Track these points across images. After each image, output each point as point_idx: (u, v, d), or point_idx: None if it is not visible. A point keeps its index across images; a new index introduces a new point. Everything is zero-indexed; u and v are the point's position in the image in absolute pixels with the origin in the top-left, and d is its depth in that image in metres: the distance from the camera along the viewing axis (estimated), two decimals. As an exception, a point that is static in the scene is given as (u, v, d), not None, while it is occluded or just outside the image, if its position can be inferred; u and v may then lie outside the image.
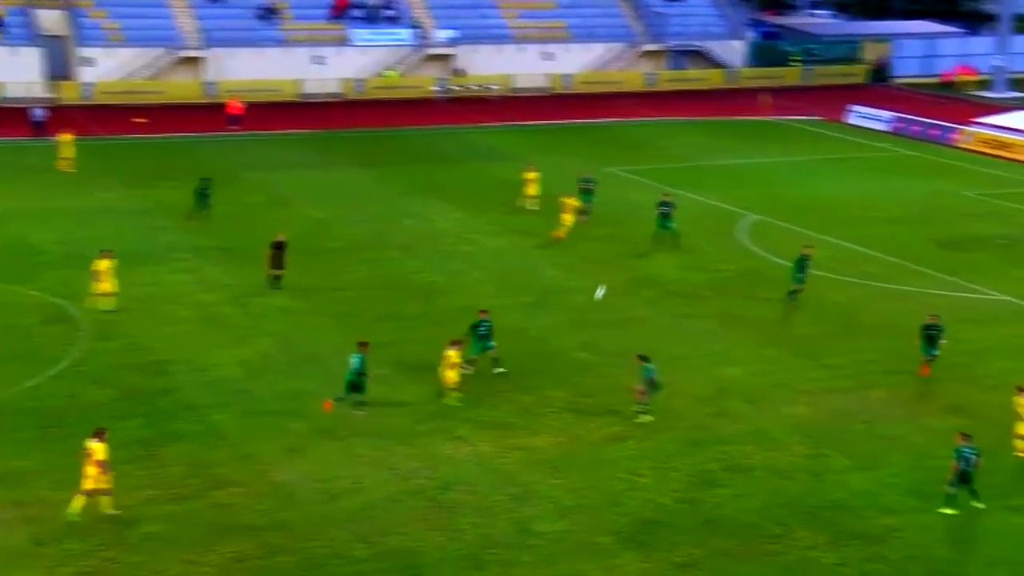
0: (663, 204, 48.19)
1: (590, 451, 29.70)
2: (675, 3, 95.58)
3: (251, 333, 37.21)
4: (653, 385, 31.44)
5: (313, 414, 31.32)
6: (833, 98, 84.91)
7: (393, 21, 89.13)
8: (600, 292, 39.77)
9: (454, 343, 32.16)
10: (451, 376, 31.91)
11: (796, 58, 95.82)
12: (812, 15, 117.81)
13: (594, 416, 31.61)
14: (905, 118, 75.81)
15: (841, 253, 47.07)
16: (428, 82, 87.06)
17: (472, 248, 47.31)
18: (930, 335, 34.84)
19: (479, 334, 33.92)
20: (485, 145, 68.95)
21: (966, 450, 27.25)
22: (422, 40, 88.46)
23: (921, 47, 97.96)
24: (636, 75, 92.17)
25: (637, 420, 31.26)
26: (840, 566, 25.00)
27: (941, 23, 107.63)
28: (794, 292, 40.82)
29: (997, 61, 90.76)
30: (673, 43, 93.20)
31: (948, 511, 27.10)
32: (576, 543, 25.57)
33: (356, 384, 31.37)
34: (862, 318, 39.81)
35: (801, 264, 40.85)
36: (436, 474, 28.33)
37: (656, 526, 26.25)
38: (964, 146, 70.40)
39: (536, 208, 51.59)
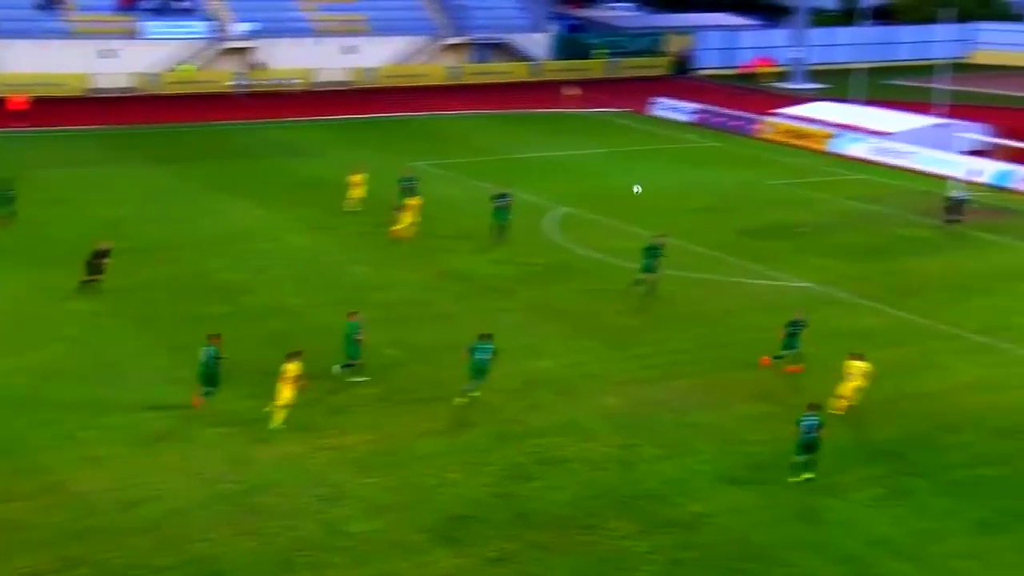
0: (499, 196, 48.54)
1: (401, 448, 29.72)
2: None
3: (42, 339, 36.02)
4: (480, 371, 31.96)
5: (111, 421, 30.52)
6: (638, 90, 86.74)
7: (187, 13, 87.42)
8: (637, 188, 39.99)
9: (291, 355, 30.61)
10: (286, 393, 30.14)
11: (600, 51, 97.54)
12: (615, 8, 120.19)
13: (404, 413, 31.65)
14: (708, 109, 77.97)
15: (648, 244, 48.09)
16: (226, 76, 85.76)
17: (276, 246, 46.79)
18: (793, 332, 35.56)
19: (355, 339, 33.36)
20: (286, 141, 68.26)
21: (808, 420, 28.46)
22: (218, 33, 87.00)
23: (722, 39, 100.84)
24: (439, 68, 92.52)
25: (454, 401, 31.84)
26: (652, 554, 25.55)
27: (741, 16, 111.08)
28: (640, 281, 41.56)
29: (795, 53, 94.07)
30: (476, 36, 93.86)
31: (801, 477, 28.38)
32: (388, 541, 25.57)
33: (211, 376, 30.96)
34: (671, 308, 40.77)
35: (651, 253, 41.48)
36: (243, 478, 27.94)
37: (469, 521, 26.43)
38: (765, 136, 72.77)
39: (359, 209, 51.18)
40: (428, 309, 39.67)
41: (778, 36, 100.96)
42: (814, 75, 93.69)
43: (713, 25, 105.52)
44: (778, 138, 71.98)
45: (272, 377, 30.93)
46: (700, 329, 38.73)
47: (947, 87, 73.23)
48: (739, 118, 75.67)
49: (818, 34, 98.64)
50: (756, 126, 74.13)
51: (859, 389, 32.18)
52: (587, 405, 32.69)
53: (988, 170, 61.12)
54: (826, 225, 52.26)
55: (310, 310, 38.99)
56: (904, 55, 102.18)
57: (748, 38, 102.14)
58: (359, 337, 33.38)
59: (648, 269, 41.46)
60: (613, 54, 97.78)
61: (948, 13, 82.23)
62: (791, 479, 28.45)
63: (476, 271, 44.12)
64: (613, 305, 40.93)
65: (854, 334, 38.47)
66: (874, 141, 67.89)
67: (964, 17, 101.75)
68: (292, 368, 30.26)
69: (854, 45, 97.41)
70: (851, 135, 69.30)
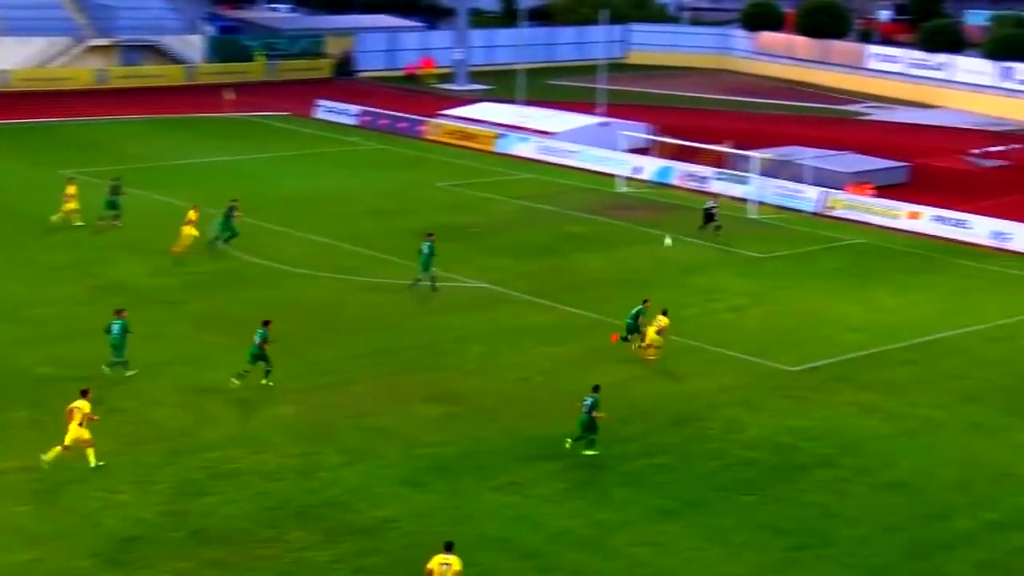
0: (229, 209, 47.41)
1: (61, 472, 28.47)
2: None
3: None
4: (260, 356, 33.79)
5: None
6: (300, 93, 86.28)
7: None
8: (668, 240, 41.50)
9: (84, 392, 29.28)
10: (84, 434, 28.60)
11: (259, 53, 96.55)
12: (272, 9, 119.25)
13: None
14: (373, 112, 78.37)
15: (319, 248, 47.96)
16: None
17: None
18: (633, 319, 37.90)
19: (118, 334, 34.05)
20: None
21: (587, 400, 30.65)
22: None
23: (384, 41, 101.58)
24: (85, 71, 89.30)
25: (263, 381, 33.67)
26: (335, 563, 25.48)
27: (402, 17, 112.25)
28: (418, 280, 42.89)
29: (457, 54, 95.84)
30: (124, 37, 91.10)
31: (589, 452, 30.62)
32: (48, 571, 24.52)
33: None
34: (344, 312, 40.76)
35: (428, 249, 42.70)
36: None
37: (138, 543, 25.64)
38: (432, 138, 73.74)
39: (81, 223, 48.75)
40: (85, 324, 38.04)
41: (440, 37, 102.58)
42: (477, 76, 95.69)
43: (374, 27, 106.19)
44: (446, 139, 73.08)
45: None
46: (376, 333, 38.89)
47: (607, 87, 76.21)
48: (405, 120, 76.40)
49: (479, 35, 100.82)
50: (422, 128, 75.04)
51: (660, 339, 36.94)
52: (261, 415, 32.29)
53: (649, 167, 63.98)
54: (497, 225, 53.41)
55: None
56: (564, 56, 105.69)
57: (410, 39, 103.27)
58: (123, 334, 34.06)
59: (425, 268, 42.82)
60: (272, 56, 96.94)
61: (604, 15, 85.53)
62: (586, 451, 30.50)
63: (138, 283, 42.84)
64: (285, 312, 40.47)
65: (528, 331, 39.58)
66: (539, 141, 69.93)
67: (620, 18, 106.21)
68: (87, 406, 28.81)
69: (515, 46, 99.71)
70: (517, 135, 71.12)
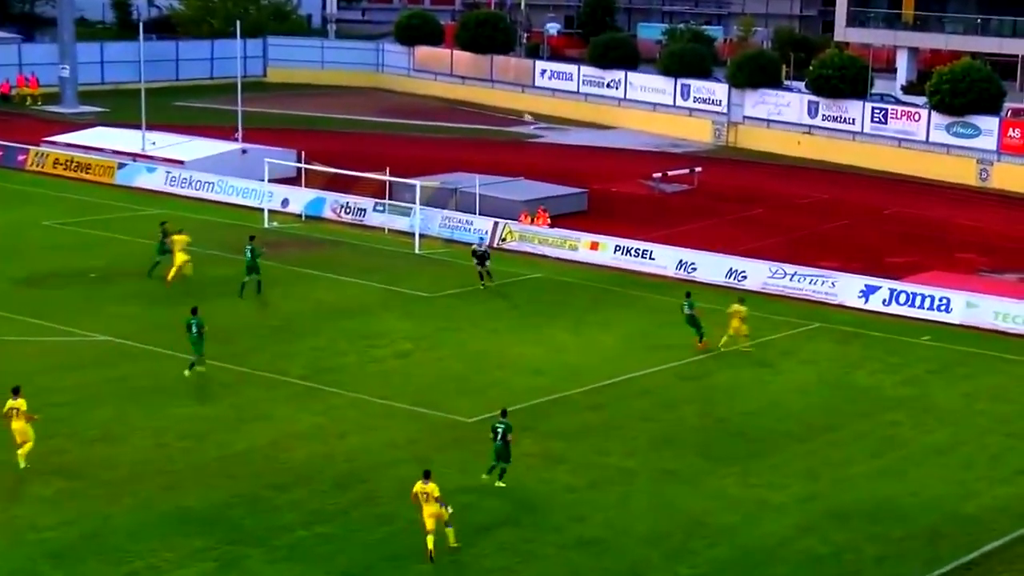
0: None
1: None
2: None
3: None
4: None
5: None
6: None
7: None
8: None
9: (14, 391, 32.88)
10: (29, 430, 33.09)
11: None
12: None
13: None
14: (-42, 139, 75.77)
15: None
16: None
17: None
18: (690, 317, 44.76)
19: None
20: None
21: (498, 425, 33.16)
22: None
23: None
24: None
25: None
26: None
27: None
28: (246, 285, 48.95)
29: (62, 71, 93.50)
30: None
31: (496, 484, 33.13)
32: None
33: None
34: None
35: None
36: None
37: None
38: (36, 169, 71.75)
39: None
40: None
41: (40, 51, 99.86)
42: (89, 97, 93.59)
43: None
44: (54, 171, 71.27)
45: None
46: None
47: (245, 109, 75.88)
48: (0, 148, 74.10)
49: (88, 49, 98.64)
50: (23, 157, 72.97)
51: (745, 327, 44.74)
52: None
53: (298, 199, 64.09)
54: (122, 268, 52.36)
55: None
56: (193, 73, 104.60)
57: (2, 53, 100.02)
58: None
59: (249, 272, 49.06)
60: None
61: (237, 27, 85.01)
62: (497, 483, 33.07)
63: None
64: None
65: (164, 390, 39.08)
66: (169, 171, 69.03)
67: (256, 32, 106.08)
68: (22, 403, 33.21)
69: (133, 62, 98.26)
70: (142, 165, 70.07)
